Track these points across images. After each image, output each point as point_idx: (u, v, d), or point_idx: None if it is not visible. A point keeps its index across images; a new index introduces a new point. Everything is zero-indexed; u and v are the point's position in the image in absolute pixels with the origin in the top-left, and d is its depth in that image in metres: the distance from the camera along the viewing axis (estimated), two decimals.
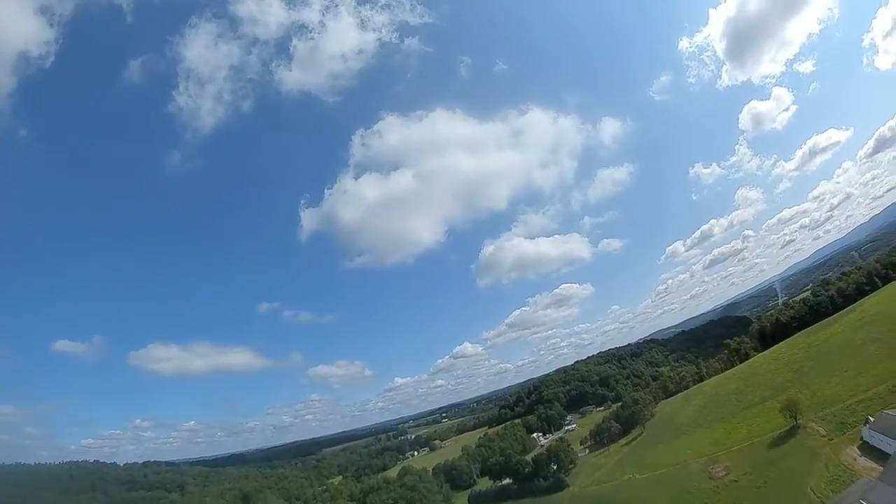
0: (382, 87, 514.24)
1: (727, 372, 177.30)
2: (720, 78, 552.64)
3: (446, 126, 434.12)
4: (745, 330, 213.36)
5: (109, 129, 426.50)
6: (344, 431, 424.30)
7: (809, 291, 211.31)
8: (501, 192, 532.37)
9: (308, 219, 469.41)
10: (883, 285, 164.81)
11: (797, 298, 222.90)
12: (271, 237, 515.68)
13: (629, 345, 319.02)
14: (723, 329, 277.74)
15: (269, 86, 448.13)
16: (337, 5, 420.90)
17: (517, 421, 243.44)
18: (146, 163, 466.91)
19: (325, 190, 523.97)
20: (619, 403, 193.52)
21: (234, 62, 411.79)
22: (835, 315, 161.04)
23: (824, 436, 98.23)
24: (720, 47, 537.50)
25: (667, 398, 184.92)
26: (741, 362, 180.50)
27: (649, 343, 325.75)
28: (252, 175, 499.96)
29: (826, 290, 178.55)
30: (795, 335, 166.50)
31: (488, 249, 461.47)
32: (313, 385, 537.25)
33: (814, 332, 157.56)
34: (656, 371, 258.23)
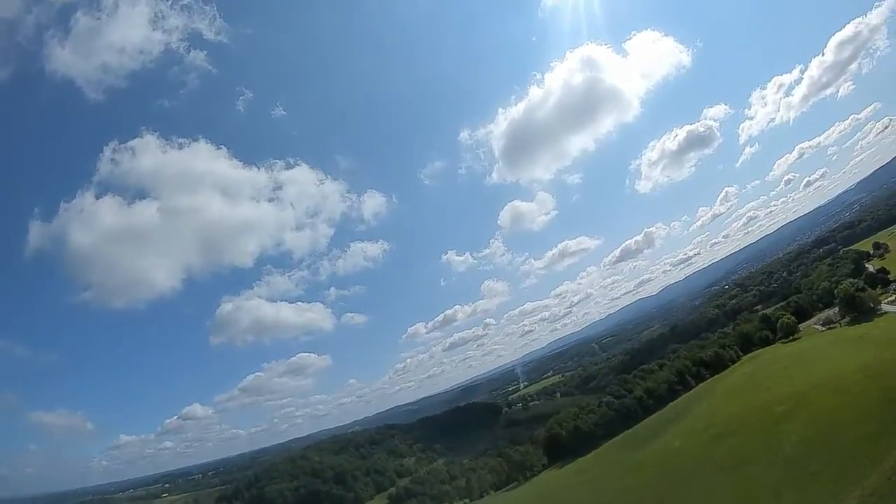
0: (151, 98, 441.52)
1: (515, 492, 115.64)
2: (490, 175, 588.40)
3: (207, 162, 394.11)
4: (496, 418, 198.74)
5: None
6: (64, 491, 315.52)
7: (558, 376, 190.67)
8: (250, 247, 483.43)
9: (36, 233, 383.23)
10: (696, 384, 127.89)
11: (539, 384, 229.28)
12: None
13: (367, 430, 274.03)
14: (470, 416, 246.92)
15: (34, 58, 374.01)
16: None
17: None
18: None
19: (62, 203, 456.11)
20: None
21: (9, 13, 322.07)
22: (653, 417, 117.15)
23: None
24: (498, 145, 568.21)
25: None
26: (525, 479, 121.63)
27: (390, 428, 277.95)
28: None
29: (629, 391, 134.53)
30: (605, 446, 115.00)
31: (227, 307, 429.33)
32: (30, 433, 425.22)
33: (639, 443, 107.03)
34: (401, 464, 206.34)
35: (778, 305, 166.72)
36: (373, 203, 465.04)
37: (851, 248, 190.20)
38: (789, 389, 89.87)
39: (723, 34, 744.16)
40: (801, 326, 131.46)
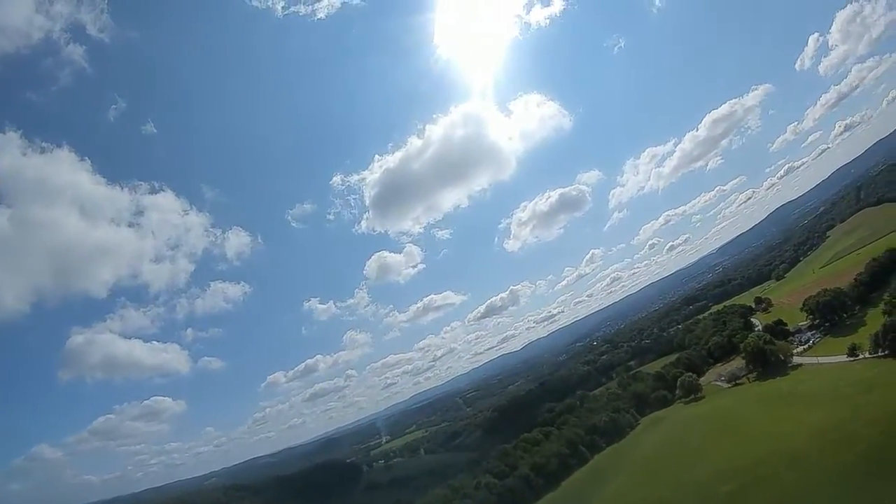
0: (18, 88, 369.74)
1: None
2: (360, 223, 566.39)
3: (69, 173, 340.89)
4: (356, 479, 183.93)
5: None
6: None
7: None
8: (105, 275, 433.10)
9: None
10: (592, 455, 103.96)
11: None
12: None
13: (216, 490, 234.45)
14: (328, 476, 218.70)
15: None
16: None
17: None
18: None
19: None
20: None
21: None
22: None
23: None
24: (370, 194, 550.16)
25: None
26: None
27: (238, 490, 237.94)
28: None
29: (512, 467, 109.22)
30: None
31: (77, 339, 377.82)
32: None
33: None
34: None
35: (668, 362, 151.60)
36: (237, 241, 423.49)
37: (727, 303, 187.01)
38: (730, 463, 67.40)
39: (605, 103, 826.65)
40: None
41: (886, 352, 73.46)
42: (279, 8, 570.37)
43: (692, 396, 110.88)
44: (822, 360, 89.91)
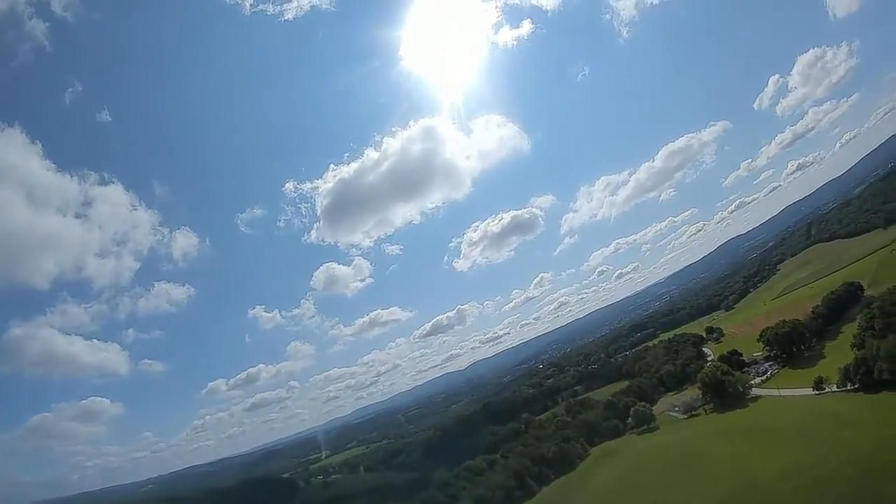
0: None
1: None
2: (310, 232, 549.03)
3: (19, 154, 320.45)
4: (292, 496, 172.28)
5: None
6: None
7: None
8: (48, 265, 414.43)
9: None
10: (540, 487, 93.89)
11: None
12: None
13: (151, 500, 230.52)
14: (264, 491, 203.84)
15: None
16: None
17: None
18: None
19: None
20: None
21: None
22: None
23: None
24: (323, 203, 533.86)
25: None
26: None
27: (172, 502, 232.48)
28: None
29: (454, 498, 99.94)
30: None
31: (16, 331, 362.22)
32: None
33: None
34: None
35: (617, 389, 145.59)
36: (184, 242, 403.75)
37: (677, 331, 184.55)
38: (691, 502, 58.62)
39: (565, 129, 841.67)
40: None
41: (857, 385, 68.22)
42: (248, 5, 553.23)
43: (645, 427, 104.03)
44: (784, 392, 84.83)
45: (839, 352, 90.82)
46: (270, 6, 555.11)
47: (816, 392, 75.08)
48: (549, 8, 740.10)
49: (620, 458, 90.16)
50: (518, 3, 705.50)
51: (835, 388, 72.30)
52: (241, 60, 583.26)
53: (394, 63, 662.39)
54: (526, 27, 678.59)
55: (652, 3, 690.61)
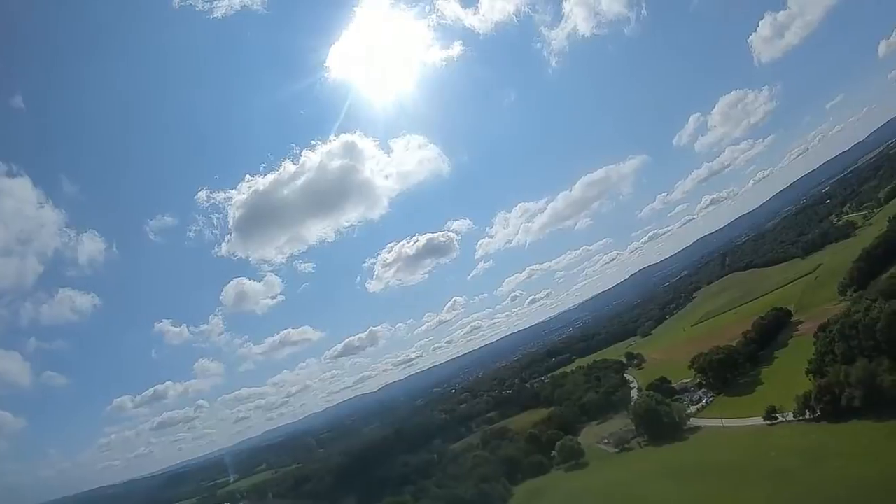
0: None
1: None
2: (221, 244, 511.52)
3: None
4: None
5: None
6: None
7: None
8: None
9: None
10: None
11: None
12: None
13: None
14: None
15: None
16: None
17: None
18: None
19: None
20: None
21: None
22: None
23: None
24: (235, 215, 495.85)
25: None
26: None
27: None
28: None
29: None
30: None
31: None
32: None
33: None
34: None
35: (536, 417, 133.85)
36: (91, 247, 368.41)
37: (595, 357, 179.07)
38: None
39: (486, 154, 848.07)
40: None
41: (818, 414, 59.98)
42: None
43: (574, 462, 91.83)
44: (727, 422, 76.19)
45: (777, 378, 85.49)
46: (200, 2, 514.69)
47: (769, 422, 66.43)
48: (481, 31, 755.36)
49: (550, 502, 76.41)
50: (451, 23, 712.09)
51: (790, 416, 64.04)
52: (164, 56, 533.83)
53: (320, 74, 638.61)
54: (456, 48, 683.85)
55: (584, 35, 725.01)
